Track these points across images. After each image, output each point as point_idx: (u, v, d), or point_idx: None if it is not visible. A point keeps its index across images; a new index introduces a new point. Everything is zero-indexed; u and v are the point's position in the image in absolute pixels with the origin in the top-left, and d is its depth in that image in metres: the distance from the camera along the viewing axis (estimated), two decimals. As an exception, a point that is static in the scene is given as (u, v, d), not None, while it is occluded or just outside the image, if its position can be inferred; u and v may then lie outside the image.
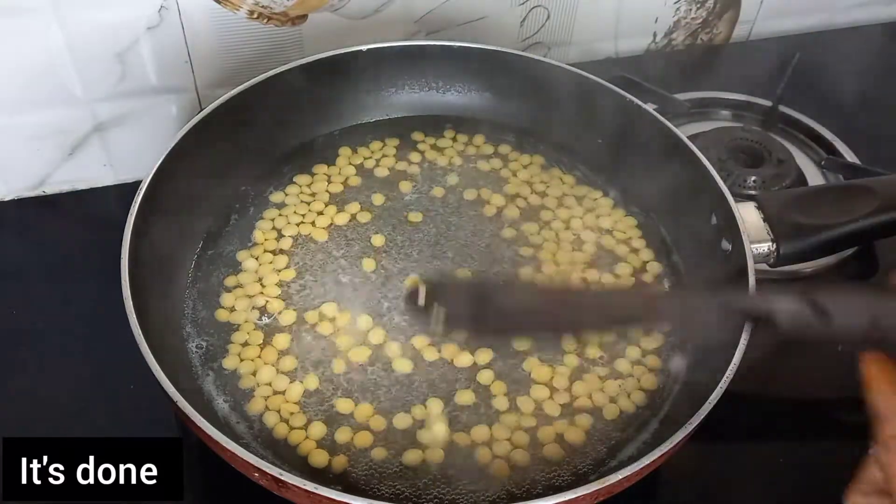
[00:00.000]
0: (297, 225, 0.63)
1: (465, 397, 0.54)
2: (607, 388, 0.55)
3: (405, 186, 0.67)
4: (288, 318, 0.57)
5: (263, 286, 0.59)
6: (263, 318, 0.57)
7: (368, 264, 0.61)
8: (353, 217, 0.64)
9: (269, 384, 0.54)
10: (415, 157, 0.69)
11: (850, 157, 0.77)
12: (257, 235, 0.62)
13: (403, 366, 0.55)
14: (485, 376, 0.55)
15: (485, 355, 0.56)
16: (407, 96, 0.72)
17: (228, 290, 0.59)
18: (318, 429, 0.52)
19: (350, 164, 0.68)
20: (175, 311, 0.57)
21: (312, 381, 0.54)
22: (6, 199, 0.72)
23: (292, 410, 0.53)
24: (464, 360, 0.55)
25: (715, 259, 0.58)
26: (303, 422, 0.52)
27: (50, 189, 0.73)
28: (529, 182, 0.68)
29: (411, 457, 0.51)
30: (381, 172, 0.68)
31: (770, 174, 0.73)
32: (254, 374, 0.54)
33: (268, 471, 0.43)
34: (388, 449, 0.51)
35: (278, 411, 0.53)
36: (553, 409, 0.54)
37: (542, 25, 0.81)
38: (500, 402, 0.54)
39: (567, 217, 0.65)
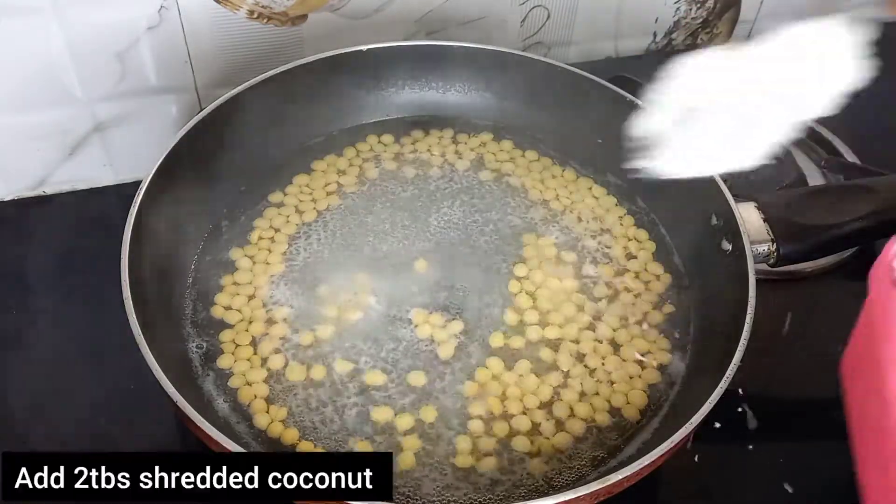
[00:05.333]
0: (297, 224, 0.63)
1: (466, 394, 0.54)
2: (607, 389, 0.55)
3: (405, 186, 0.67)
4: (286, 317, 0.57)
5: (260, 285, 0.59)
6: (265, 310, 0.57)
7: (369, 264, 0.61)
8: (352, 216, 0.64)
9: (267, 383, 0.54)
10: (415, 156, 0.69)
11: (850, 157, 0.77)
12: (256, 235, 0.62)
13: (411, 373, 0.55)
14: (484, 376, 0.55)
15: (493, 362, 0.56)
16: (407, 96, 0.72)
17: (225, 289, 0.59)
18: (315, 429, 0.52)
19: (350, 163, 0.68)
20: (175, 312, 0.57)
21: (311, 380, 0.54)
22: (6, 199, 0.72)
23: (290, 410, 0.53)
24: (466, 362, 0.56)
25: (715, 259, 0.58)
26: (301, 421, 0.52)
27: (50, 189, 0.73)
28: (530, 181, 0.68)
29: (409, 457, 0.51)
30: (382, 172, 0.68)
31: (770, 174, 0.73)
32: (250, 372, 0.54)
33: (268, 471, 0.43)
34: (387, 447, 0.51)
35: (269, 411, 0.53)
36: (553, 408, 0.54)
37: (542, 25, 0.81)
38: (500, 404, 0.54)
39: (567, 216, 0.65)
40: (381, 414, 0.53)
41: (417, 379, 0.54)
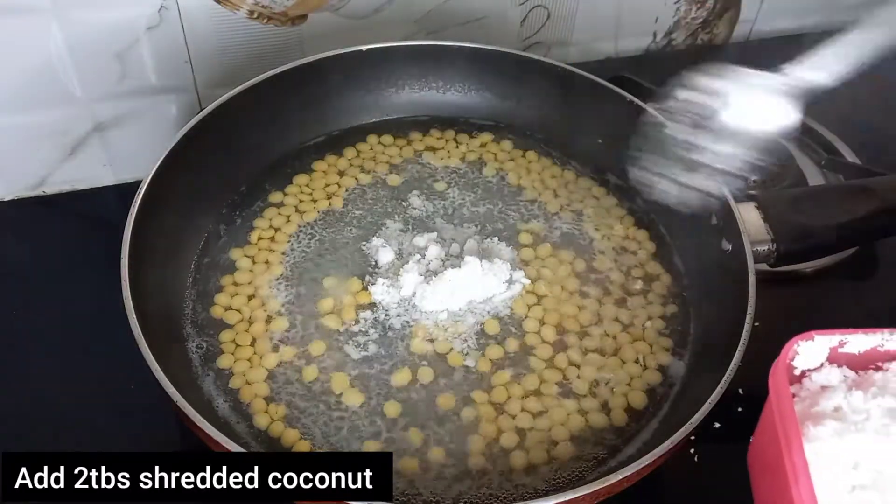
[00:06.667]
0: (297, 224, 0.63)
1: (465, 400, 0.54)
2: (607, 389, 0.55)
3: (405, 186, 0.67)
4: (285, 317, 0.57)
5: (260, 285, 0.59)
6: (264, 313, 0.57)
7: (369, 264, 0.61)
8: (352, 216, 0.64)
9: (266, 383, 0.54)
10: (415, 157, 0.69)
11: (850, 157, 0.77)
12: (256, 235, 0.62)
13: (403, 375, 0.55)
14: (483, 377, 0.55)
15: (484, 362, 0.56)
16: (407, 96, 0.72)
17: (225, 289, 0.59)
18: (314, 429, 0.52)
19: (350, 163, 0.68)
20: (175, 312, 0.57)
21: (312, 380, 0.54)
22: (6, 199, 0.72)
23: (290, 409, 0.53)
24: (466, 362, 0.56)
25: (715, 259, 0.58)
26: (299, 421, 0.52)
27: (50, 189, 0.73)
28: (529, 181, 0.68)
29: (406, 459, 0.51)
30: (381, 172, 0.68)
31: (770, 174, 0.73)
32: (250, 372, 0.54)
33: (268, 471, 0.43)
34: (387, 447, 0.51)
35: (269, 411, 0.53)
36: (553, 408, 0.54)
37: (542, 25, 0.81)
38: (498, 403, 0.54)
39: (567, 216, 0.65)
40: (382, 413, 0.53)
41: (419, 378, 0.54)
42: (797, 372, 0.52)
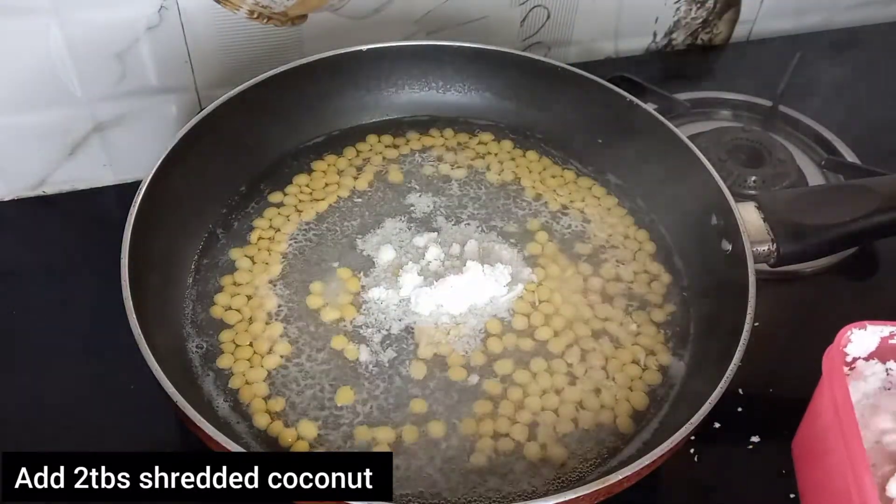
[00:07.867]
0: (296, 224, 0.63)
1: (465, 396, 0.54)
2: (607, 389, 0.55)
3: (405, 186, 0.67)
4: (285, 317, 0.57)
5: (260, 285, 0.59)
6: (263, 313, 0.57)
7: (369, 264, 0.61)
8: (352, 216, 0.64)
9: (266, 383, 0.54)
10: (414, 156, 0.69)
11: (850, 157, 0.77)
12: (255, 235, 0.62)
13: (401, 376, 0.55)
14: (485, 379, 0.55)
15: (493, 363, 0.56)
16: (407, 96, 0.72)
17: (225, 289, 0.59)
18: (312, 429, 0.52)
19: (350, 163, 0.68)
20: (175, 312, 0.57)
21: (308, 381, 0.54)
22: (6, 199, 0.72)
23: (290, 409, 0.53)
24: (467, 364, 0.56)
25: (715, 259, 0.58)
26: (298, 421, 0.52)
27: (50, 189, 0.73)
28: (530, 181, 0.68)
29: (406, 459, 0.51)
30: (381, 172, 0.68)
31: (770, 174, 0.73)
32: (250, 372, 0.54)
33: (268, 471, 0.43)
34: (383, 444, 0.51)
35: (269, 411, 0.53)
36: (553, 408, 0.54)
37: (542, 25, 0.82)
38: (500, 404, 0.54)
39: (567, 216, 0.65)
40: (380, 414, 0.53)
41: (418, 379, 0.54)
42: (848, 359, 0.53)
